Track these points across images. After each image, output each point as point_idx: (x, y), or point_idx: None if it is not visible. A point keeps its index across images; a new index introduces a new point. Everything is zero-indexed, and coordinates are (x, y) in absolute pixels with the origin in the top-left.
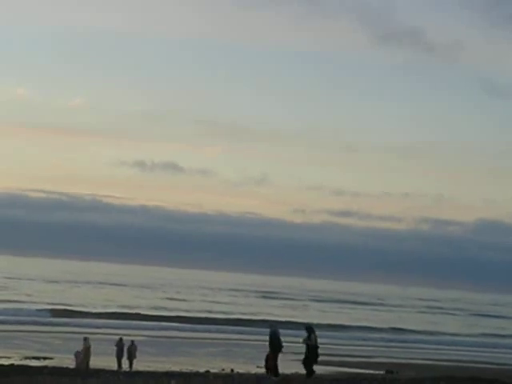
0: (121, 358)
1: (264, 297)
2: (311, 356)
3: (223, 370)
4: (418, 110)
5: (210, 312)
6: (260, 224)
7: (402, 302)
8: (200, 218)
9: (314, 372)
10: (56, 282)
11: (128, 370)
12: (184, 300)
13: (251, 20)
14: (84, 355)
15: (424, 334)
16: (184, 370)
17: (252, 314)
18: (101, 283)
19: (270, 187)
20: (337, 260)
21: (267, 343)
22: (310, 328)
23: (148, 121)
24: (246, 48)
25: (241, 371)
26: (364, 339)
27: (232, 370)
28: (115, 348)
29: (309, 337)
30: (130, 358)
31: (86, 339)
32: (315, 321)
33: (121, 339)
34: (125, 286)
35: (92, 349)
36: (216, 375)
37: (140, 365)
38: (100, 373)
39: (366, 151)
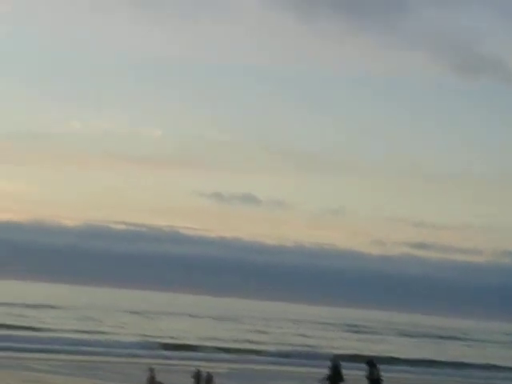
0: None
1: (348, 330)
2: None
3: None
4: (501, 137)
5: (289, 345)
6: (338, 256)
7: (486, 336)
8: (277, 249)
9: None
10: (138, 313)
11: None
12: (266, 332)
13: (326, 48)
14: None
15: None
16: None
17: (333, 347)
18: (181, 314)
19: (348, 218)
20: (416, 293)
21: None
22: (370, 362)
23: (226, 151)
24: (323, 75)
25: None
26: (465, 376)
27: None
28: (192, 380)
29: (370, 371)
30: None
31: (151, 370)
32: (404, 355)
33: (198, 371)
34: (204, 317)
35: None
36: None
37: None
38: None
39: (446, 181)
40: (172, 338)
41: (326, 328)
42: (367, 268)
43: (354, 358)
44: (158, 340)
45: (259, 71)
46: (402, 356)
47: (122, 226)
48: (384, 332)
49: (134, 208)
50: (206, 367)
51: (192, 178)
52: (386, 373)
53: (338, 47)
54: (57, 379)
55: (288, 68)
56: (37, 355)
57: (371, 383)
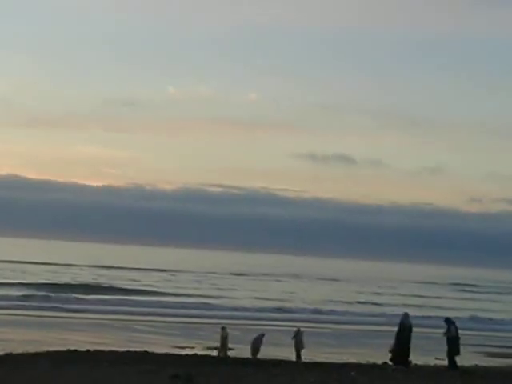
0: (298, 348)
1: (460, 289)
2: (453, 348)
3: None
4: None
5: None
6: (435, 214)
7: None
8: (374, 209)
9: (455, 364)
10: (243, 275)
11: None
12: (379, 294)
13: (419, 5)
14: (221, 344)
15: None
16: (362, 362)
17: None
18: (284, 275)
19: (445, 177)
20: None
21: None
22: (448, 320)
23: (321, 112)
24: (417, 35)
25: (419, 363)
26: None
27: (410, 362)
28: (293, 340)
29: (448, 329)
30: (297, 347)
31: (223, 328)
32: None
33: (298, 330)
34: (311, 278)
35: (265, 340)
36: (395, 367)
37: (318, 356)
38: (281, 363)
39: None
40: (283, 300)
41: (439, 287)
42: (465, 226)
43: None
44: (269, 303)
45: (355, 33)
46: None
47: (219, 189)
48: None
49: (229, 171)
50: (309, 327)
51: (287, 139)
52: None
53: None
54: (157, 339)
55: (385, 29)
56: (143, 318)
57: (449, 341)
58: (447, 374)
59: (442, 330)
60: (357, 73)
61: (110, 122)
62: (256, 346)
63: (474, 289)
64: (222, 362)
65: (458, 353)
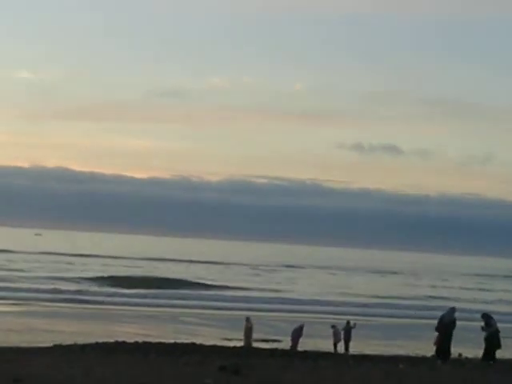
0: (348, 341)
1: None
2: (494, 342)
3: (451, 354)
4: None
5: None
6: (483, 205)
7: None
8: (421, 200)
9: (494, 358)
10: (293, 266)
11: (344, 352)
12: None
13: None
14: (246, 335)
15: None
16: (411, 354)
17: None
18: (331, 267)
19: (494, 166)
20: None
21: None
22: (485, 315)
23: (368, 102)
24: (467, 23)
25: (469, 356)
26: None
27: (460, 355)
28: (342, 332)
29: (487, 324)
30: (347, 339)
31: (247, 319)
32: None
33: (348, 322)
34: (363, 271)
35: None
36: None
37: (366, 348)
38: (329, 356)
39: None
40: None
41: (499, 280)
42: None
43: None
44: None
45: (400, 21)
46: None
47: (265, 181)
48: None
49: (276, 162)
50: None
51: (333, 130)
52: None
53: None
54: (205, 331)
55: (431, 17)
56: (195, 310)
57: (490, 336)
58: (496, 367)
59: (481, 325)
60: (404, 62)
61: (154, 113)
62: (294, 336)
63: None
64: (271, 353)
65: (499, 346)
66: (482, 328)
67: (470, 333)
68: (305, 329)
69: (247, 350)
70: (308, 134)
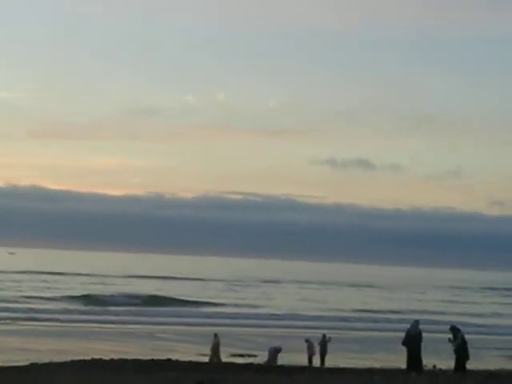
0: (324, 354)
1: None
2: (462, 354)
3: (425, 366)
4: None
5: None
6: (457, 218)
7: None
8: (394, 214)
9: (464, 370)
10: (268, 281)
11: (320, 365)
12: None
13: (445, 10)
14: (213, 351)
15: None
16: (386, 367)
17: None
18: (307, 282)
19: (465, 179)
20: None
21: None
22: (453, 328)
23: (340, 118)
24: (439, 38)
25: (443, 367)
26: None
27: (434, 366)
28: (311, 344)
29: (454, 336)
30: (323, 353)
31: (215, 335)
32: None
33: (324, 336)
34: (344, 285)
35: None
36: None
37: (341, 361)
38: (304, 369)
39: None
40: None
41: (473, 292)
42: (487, 230)
43: None
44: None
45: (371, 36)
46: None
47: (240, 197)
48: None
49: (250, 178)
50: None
51: (306, 146)
52: None
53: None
54: (181, 347)
55: (404, 32)
56: (169, 327)
57: (458, 348)
58: (470, 378)
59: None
60: (374, 77)
61: (128, 131)
62: (271, 354)
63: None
64: (247, 368)
65: (467, 358)
66: (450, 340)
67: (443, 344)
68: (281, 343)
69: (219, 366)
70: (282, 149)
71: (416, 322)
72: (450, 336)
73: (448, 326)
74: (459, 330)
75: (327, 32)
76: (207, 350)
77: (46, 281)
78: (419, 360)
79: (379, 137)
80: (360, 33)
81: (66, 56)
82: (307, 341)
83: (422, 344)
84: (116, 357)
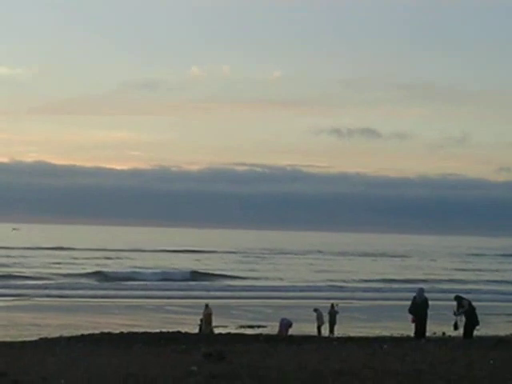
0: (333, 324)
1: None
2: (471, 320)
3: (434, 333)
4: None
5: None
6: (463, 185)
7: None
8: (400, 182)
9: (471, 336)
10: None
11: (329, 335)
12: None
13: None
14: (206, 322)
15: None
16: (395, 335)
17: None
18: (318, 252)
19: (471, 147)
20: None
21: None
22: (457, 297)
23: (344, 87)
24: (443, 8)
25: (453, 334)
26: None
27: (444, 334)
28: (320, 314)
29: (459, 305)
30: (332, 322)
31: (206, 306)
32: None
33: (332, 305)
34: (356, 255)
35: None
36: (428, 339)
37: (350, 331)
38: (314, 339)
39: None
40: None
41: (486, 259)
42: (493, 196)
43: None
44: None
45: (375, 6)
46: None
47: (245, 168)
48: None
49: (255, 149)
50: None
51: (311, 116)
52: None
53: None
54: (190, 319)
55: (403, 2)
56: (178, 300)
57: (466, 315)
58: (480, 344)
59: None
60: (378, 46)
61: (131, 104)
62: (283, 327)
63: None
64: (255, 339)
65: (477, 323)
66: (454, 313)
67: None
68: (290, 314)
69: (227, 337)
70: (286, 120)
71: (421, 290)
72: (454, 308)
73: (465, 293)
74: (463, 298)
75: (331, 3)
76: (216, 322)
77: (51, 256)
78: (424, 327)
79: (384, 106)
80: (362, 3)
81: (66, 31)
82: (316, 310)
83: (430, 311)
84: (125, 330)
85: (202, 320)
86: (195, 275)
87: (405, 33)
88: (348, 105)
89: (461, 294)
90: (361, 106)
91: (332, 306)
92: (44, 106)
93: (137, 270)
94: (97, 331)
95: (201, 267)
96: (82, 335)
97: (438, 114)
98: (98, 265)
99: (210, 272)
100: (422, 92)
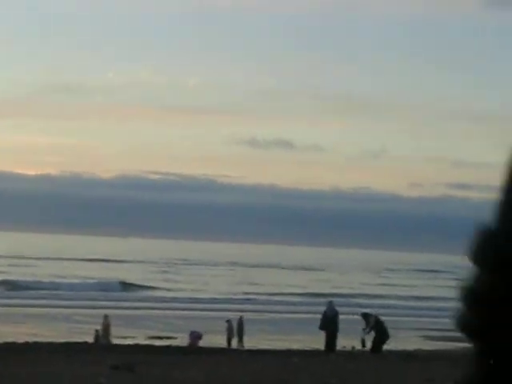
0: (241, 335)
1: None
2: (381, 336)
3: (344, 347)
4: None
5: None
6: (376, 199)
7: None
8: (314, 194)
9: (380, 351)
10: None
11: (238, 347)
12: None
13: None
14: (104, 333)
15: None
16: (305, 348)
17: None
18: (231, 263)
19: (385, 161)
20: (456, 234)
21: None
22: (362, 314)
23: (260, 97)
24: (355, 20)
25: (363, 349)
26: None
27: (353, 348)
28: (231, 326)
29: (366, 322)
30: (240, 334)
31: (106, 316)
32: None
33: (240, 317)
34: (272, 267)
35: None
36: (338, 353)
37: (261, 343)
38: (224, 351)
39: (488, 120)
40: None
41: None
42: (406, 210)
43: None
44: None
45: (297, 16)
46: None
47: (158, 176)
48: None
49: (169, 158)
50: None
51: (226, 125)
52: None
53: None
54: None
55: (328, 12)
56: (85, 310)
57: (376, 331)
58: (392, 357)
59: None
60: (296, 56)
61: (44, 108)
62: (193, 338)
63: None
64: (165, 350)
65: (387, 337)
66: (363, 330)
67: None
68: (199, 325)
69: (137, 348)
70: (201, 129)
71: (331, 303)
72: (364, 326)
73: (362, 310)
74: (370, 315)
75: (256, 11)
76: (125, 332)
77: None
78: (333, 341)
79: (301, 118)
80: (287, 13)
81: None
82: (228, 321)
83: (340, 325)
84: (30, 340)
85: (97, 330)
86: (105, 285)
87: (327, 44)
88: (264, 115)
89: (367, 311)
90: (277, 117)
91: (240, 317)
92: None
93: (42, 279)
94: (0, 341)
95: (111, 276)
96: None
97: (356, 128)
98: (3, 272)
99: (122, 281)
100: (338, 105)
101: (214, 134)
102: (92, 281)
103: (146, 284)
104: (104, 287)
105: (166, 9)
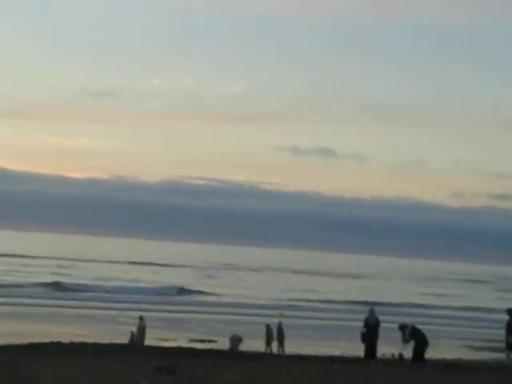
0: (281, 341)
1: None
2: (420, 345)
3: (384, 355)
4: None
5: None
6: (417, 208)
7: None
8: (355, 203)
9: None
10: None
11: (278, 351)
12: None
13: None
14: (139, 335)
15: None
16: (345, 355)
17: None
18: (276, 270)
19: (427, 170)
20: (498, 245)
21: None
22: (400, 326)
23: (304, 105)
24: (401, 29)
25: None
26: None
27: (393, 355)
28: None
29: (403, 334)
30: (281, 339)
31: (141, 318)
32: None
33: (280, 323)
34: (305, 273)
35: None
36: (378, 360)
37: (302, 349)
38: (264, 356)
39: None
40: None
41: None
42: (447, 221)
43: None
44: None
45: (337, 24)
46: None
47: (202, 182)
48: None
49: (213, 164)
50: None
51: (270, 132)
52: None
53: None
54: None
55: (367, 20)
56: (130, 312)
57: (415, 341)
58: (431, 367)
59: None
60: (341, 65)
61: (92, 113)
62: (233, 342)
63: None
64: (206, 353)
65: (426, 344)
66: (403, 340)
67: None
68: (240, 330)
69: (178, 351)
70: (245, 136)
71: (371, 310)
72: (401, 338)
73: (400, 321)
74: (406, 326)
75: (296, 18)
76: (168, 335)
77: (10, 263)
78: (374, 348)
79: (342, 126)
80: (328, 21)
81: (29, 35)
82: (267, 326)
83: (381, 333)
84: (75, 340)
85: (132, 332)
86: (162, 289)
87: (369, 54)
88: (307, 123)
89: (404, 322)
90: (320, 125)
91: (279, 323)
92: (2, 110)
93: (91, 282)
94: (46, 340)
95: (153, 279)
96: (31, 343)
97: (397, 137)
98: (53, 273)
99: (180, 287)
100: (382, 113)
101: (256, 141)
102: (146, 285)
103: (187, 288)
104: (161, 291)
105: (210, 21)
